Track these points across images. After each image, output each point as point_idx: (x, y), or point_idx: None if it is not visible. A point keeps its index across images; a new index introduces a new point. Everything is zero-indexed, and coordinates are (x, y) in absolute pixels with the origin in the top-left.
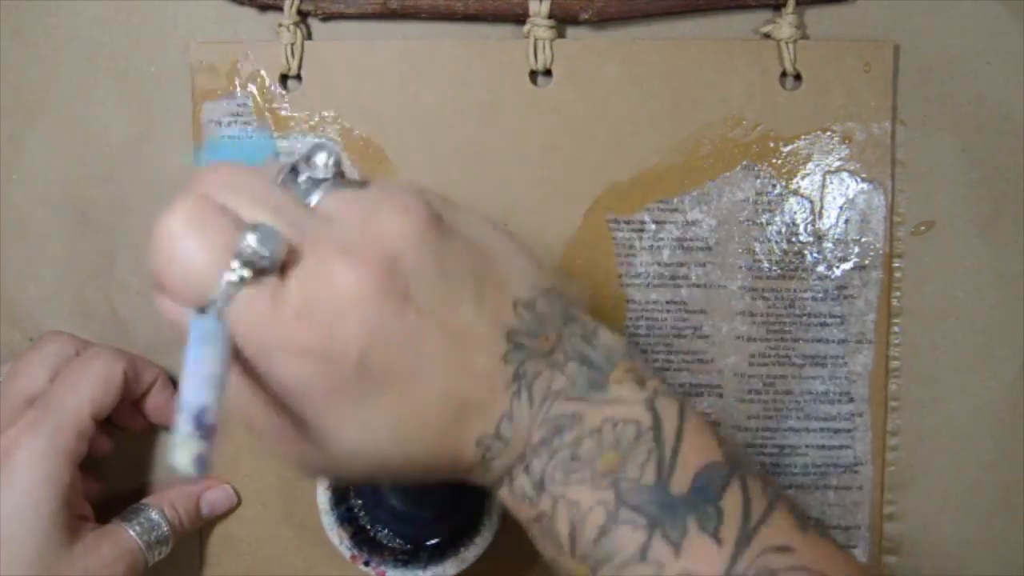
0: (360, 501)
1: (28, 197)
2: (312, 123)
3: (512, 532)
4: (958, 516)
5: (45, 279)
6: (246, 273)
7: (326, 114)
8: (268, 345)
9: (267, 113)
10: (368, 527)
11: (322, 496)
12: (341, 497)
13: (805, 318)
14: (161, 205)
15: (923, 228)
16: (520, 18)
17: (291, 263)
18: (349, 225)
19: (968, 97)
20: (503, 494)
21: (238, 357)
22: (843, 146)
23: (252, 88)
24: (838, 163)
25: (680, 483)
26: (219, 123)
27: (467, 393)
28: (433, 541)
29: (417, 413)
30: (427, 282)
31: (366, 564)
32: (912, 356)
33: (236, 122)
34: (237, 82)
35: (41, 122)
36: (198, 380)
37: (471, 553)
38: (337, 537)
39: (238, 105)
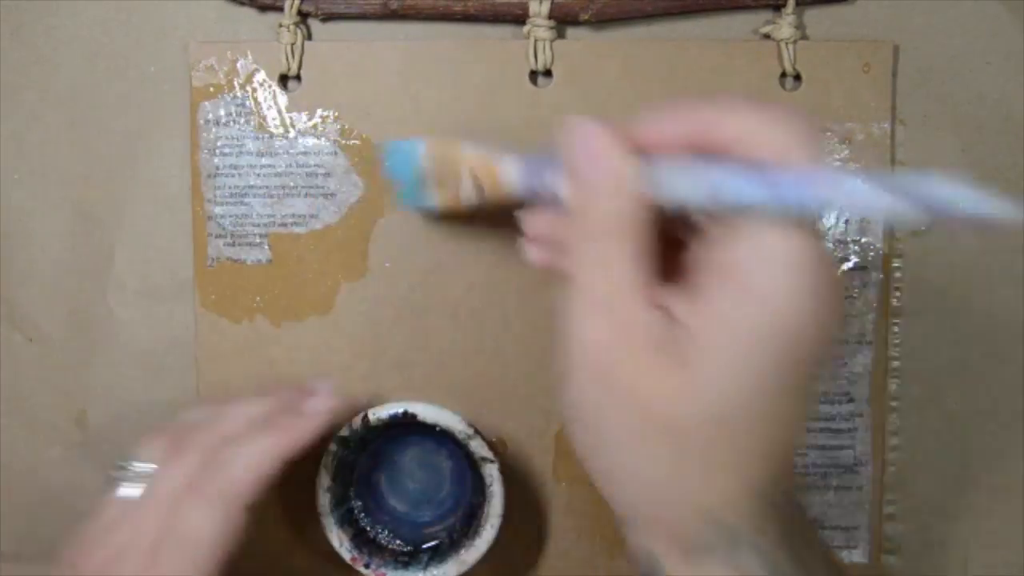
0: (360, 503)
1: (28, 197)
2: (311, 123)
3: (512, 534)
4: (958, 516)
5: (44, 279)
6: None
7: (326, 114)
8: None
9: (266, 113)
10: (368, 529)
11: (323, 498)
12: (341, 499)
13: None
14: (160, 205)
15: (923, 228)
16: (520, 19)
17: None
18: None
19: (968, 97)
20: (705, 567)
21: None
22: (843, 146)
23: (251, 88)
24: (838, 163)
25: None
26: (217, 123)
27: (788, 445)
28: (433, 543)
29: (785, 417)
30: None
31: (367, 567)
32: (912, 356)
33: (234, 122)
34: (236, 82)
35: (41, 122)
36: None
37: (471, 555)
38: (337, 539)
39: (236, 105)
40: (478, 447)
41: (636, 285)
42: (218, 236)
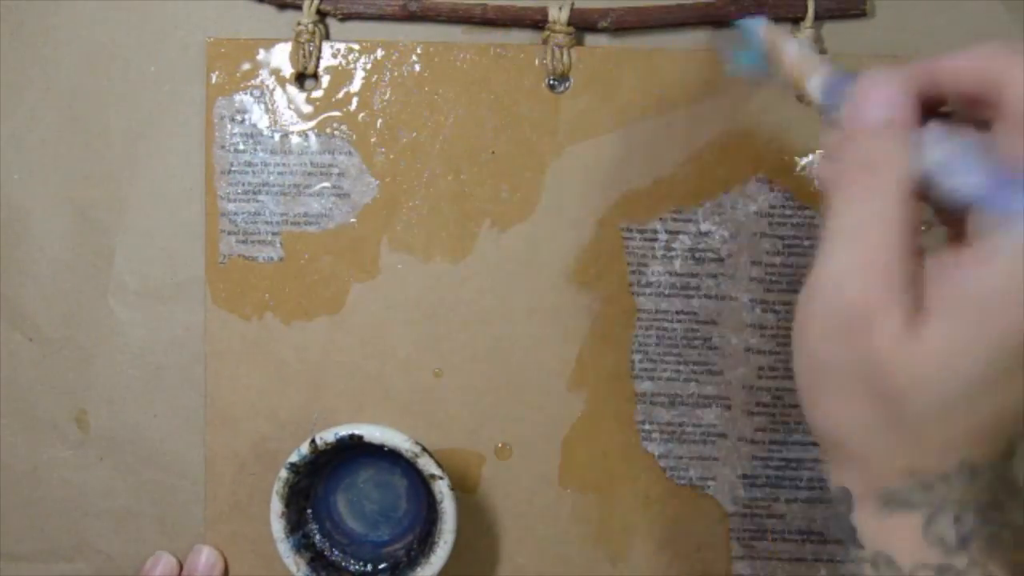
0: (318, 526)
1: (28, 197)
2: (327, 123)
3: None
4: None
5: (44, 279)
6: None
7: (342, 114)
8: None
9: (282, 111)
10: (327, 552)
11: (276, 524)
12: (297, 524)
13: None
14: (160, 206)
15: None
16: (539, 23)
17: None
18: None
19: None
20: (893, 521)
21: None
22: None
23: (267, 86)
24: None
25: None
26: (232, 119)
27: (1010, 419)
28: (391, 561)
29: (1010, 390)
30: None
31: None
32: None
33: (249, 120)
34: (252, 80)
35: (41, 122)
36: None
37: (427, 572)
38: (294, 564)
39: (252, 102)
40: (426, 464)
41: (897, 228)
42: (230, 233)
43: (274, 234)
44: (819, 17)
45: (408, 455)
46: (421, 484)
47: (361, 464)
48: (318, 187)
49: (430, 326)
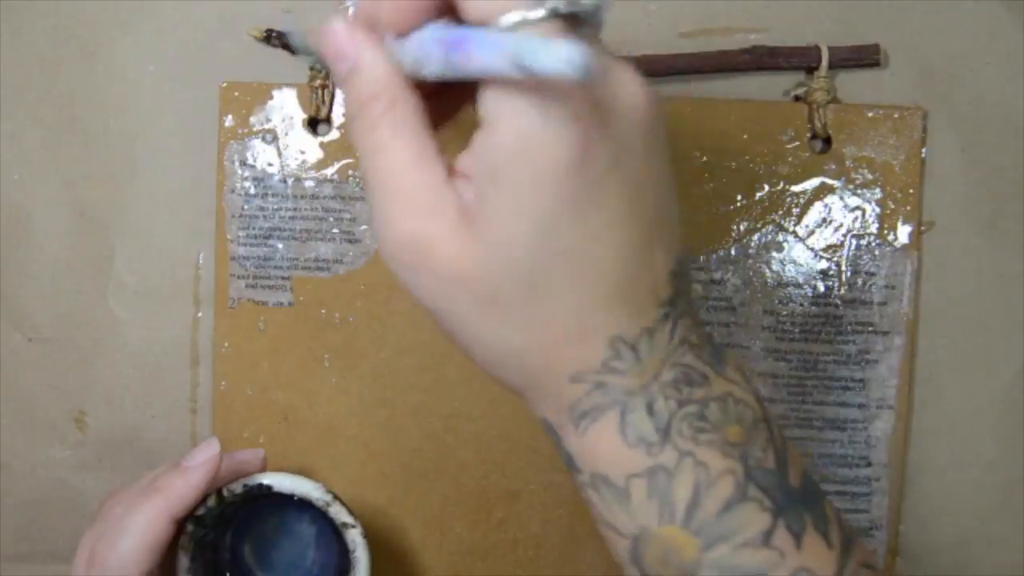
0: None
1: (28, 197)
2: (339, 167)
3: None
4: (958, 516)
5: (44, 279)
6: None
7: (354, 159)
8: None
9: (294, 156)
10: None
11: None
12: None
13: (827, 381)
14: (160, 206)
15: (923, 228)
16: None
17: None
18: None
19: (968, 97)
20: (591, 436)
21: None
22: (871, 210)
23: (280, 130)
24: (865, 227)
25: (793, 478)
26: (243, 163)
27: (634, 277)
28: None
29: (599, 248)
30: (654, 158)
31: None
32: (912, 356)
33: (261, 164)
34: (264, 124)
35: (41, 122)
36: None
37: None
38: None
39: (264, 146)
40: (338, 512)
41: (418, 160)
42: (240, 277)
43: (284, 279)
44: (833, 66)
45: (319, 504)
46: (333, 532)
47: (268, 512)
48: (329, 232)
49: (441, 372)
